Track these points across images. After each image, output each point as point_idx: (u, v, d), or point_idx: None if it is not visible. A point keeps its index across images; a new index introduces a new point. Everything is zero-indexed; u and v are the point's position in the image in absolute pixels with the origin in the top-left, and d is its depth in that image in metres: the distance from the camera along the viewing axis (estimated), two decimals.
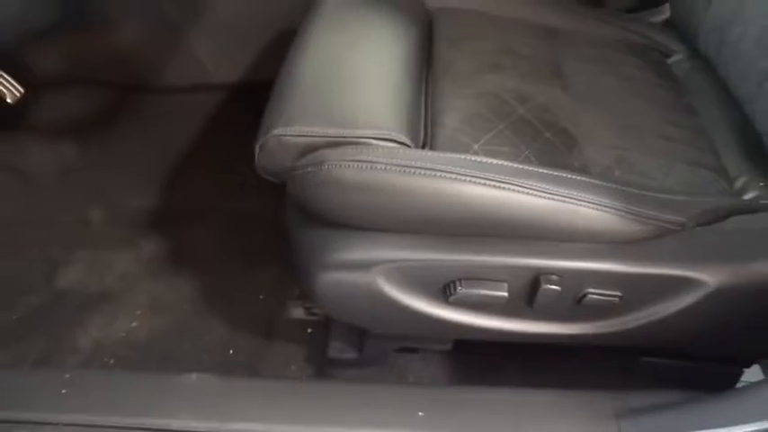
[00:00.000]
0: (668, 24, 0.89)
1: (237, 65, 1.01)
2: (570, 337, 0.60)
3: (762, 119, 0.65)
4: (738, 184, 0.65)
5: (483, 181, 0.53)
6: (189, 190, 0.98)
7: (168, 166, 1.00)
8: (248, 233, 0.90)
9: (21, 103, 0.82)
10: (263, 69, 0.99)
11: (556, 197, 0.54)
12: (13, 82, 0.82)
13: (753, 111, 0.68)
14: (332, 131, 0.58)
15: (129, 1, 0.94)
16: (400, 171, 0.53)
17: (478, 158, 0.56)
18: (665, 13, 0.89)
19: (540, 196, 0.54)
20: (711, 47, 0.78)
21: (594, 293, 0.56)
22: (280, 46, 0.94)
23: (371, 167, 0.53)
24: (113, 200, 0.96)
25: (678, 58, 0.85)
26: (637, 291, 0.56)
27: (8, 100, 0.82)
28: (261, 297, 0.85)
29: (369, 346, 0.71)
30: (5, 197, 0.94)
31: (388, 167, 0.53)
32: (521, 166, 0.56)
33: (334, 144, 0.57)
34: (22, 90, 0.82)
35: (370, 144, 0.57)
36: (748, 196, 0.63)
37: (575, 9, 0.87)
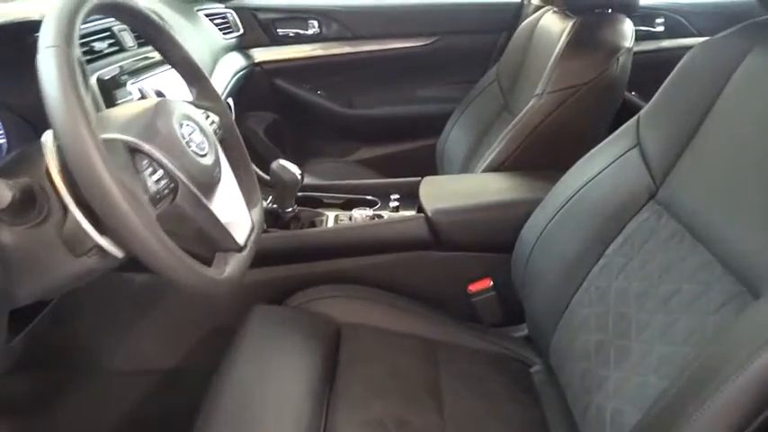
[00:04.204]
0: (529, 339, 1.11)
1: (174, 354, 1.16)
2: None
3: None
4: None
5: None
6: None
7: None
8: None
9: None
10: (194, 359, 1.15)
11: None
12: None
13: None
14: None
15: (85, 302, 1.11)
16: None
17: None
18: (524, 328, 1.12)
19: None
20: (556, 365, 0.99)
21: None
22: (213, 339, 1.12)
23: None
24: None
25: (537, 368, 1.05)
26: None
27: None
28: None
29: None
30: None
31: None
32: None
33: None
34: None
35: None
36: None
37: (454, 325, 1.08)
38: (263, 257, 1.07)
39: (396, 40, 1.83)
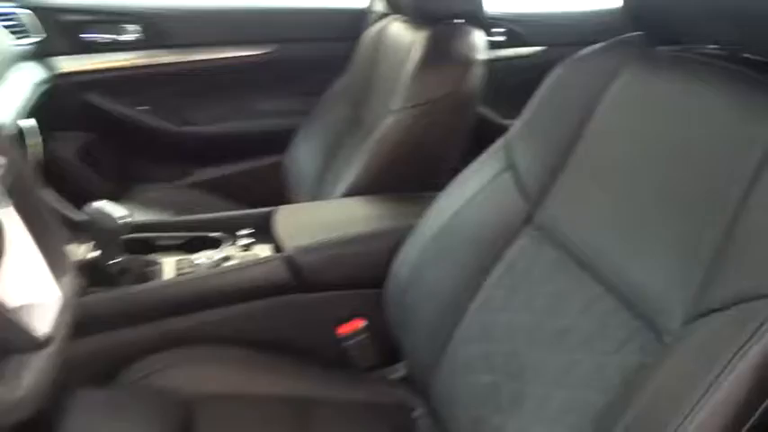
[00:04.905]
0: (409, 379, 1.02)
1: None
2: None
3: None
4: None
5: None
6: None
7: None
8: None
9: None
10: None
11: None
12: None
13: None
14: None
15: None
16: None
17: None
18: (402, 369, 1.03)
19: None
20: (441, 408, 0.90)
21: None
22: None
23: None
24: None
25: (420, 412, 0.96)
26: None
27: None
28: None
29: None
30: None
31: None
32: None
33: None
34: None
35: None
36: None
37: (326, 376, 0.95)
38: (83, 325, 0.86)
39: (231, 48, 1.64)
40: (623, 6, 0.77)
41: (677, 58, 0.76)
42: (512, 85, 1.56)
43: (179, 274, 0.97)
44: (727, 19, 0.68)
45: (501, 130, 1.68)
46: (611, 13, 1.72)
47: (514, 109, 1.79)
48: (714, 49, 0.74)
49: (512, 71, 1.69)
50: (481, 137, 1.27)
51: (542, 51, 1.79)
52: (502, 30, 1.76)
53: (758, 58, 0.69)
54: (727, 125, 0.64)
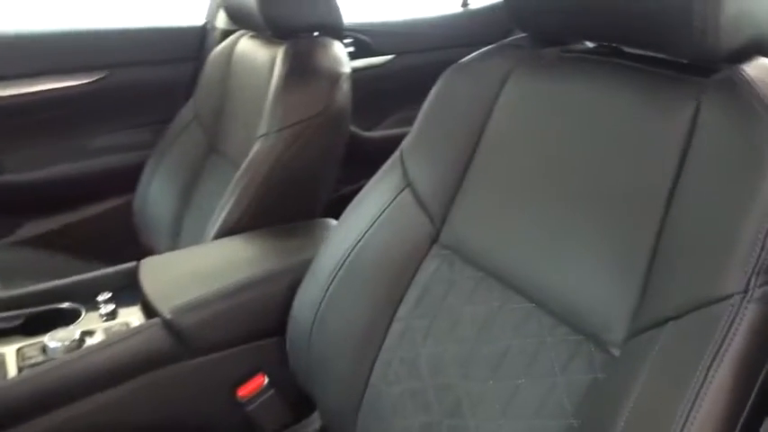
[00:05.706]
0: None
1: None
2: None
3: None
4: None
5: None
6: None
7: None
8: None
9: None
10: None
11: None
12: None
13: None
14: None
15: None
16: None
17: None
18: (317, 420, 0.92)
19: None
20: None
21: None
22: None
23: None
24: None
25: None
26: None
27: None
28: None
29: None
30: None
31: None
32: None
33: None
34: None
35: None
36: None
37: None
38: None
39: (51, 78, 1.39)
40: (505, 8, 0.74)
41: (563, 57, 0.75)
42: (366, 97, 1.52)
43: (26, 366, 0.77)
44: (602, 16, 0.67)
45: (366, 143, 1.66)
46: (457, 17, 1.75)
47: (372, 121, 1.77)
48: (597, 46, 0.75)
49: (364, 82, 1.65)
50: (347, 152, 1.20)
51: (392, 60, 1.77)
52: (350, 40, 1.71)
53: (638, 51, 0.70)
54: (634, 119, 0.63)
